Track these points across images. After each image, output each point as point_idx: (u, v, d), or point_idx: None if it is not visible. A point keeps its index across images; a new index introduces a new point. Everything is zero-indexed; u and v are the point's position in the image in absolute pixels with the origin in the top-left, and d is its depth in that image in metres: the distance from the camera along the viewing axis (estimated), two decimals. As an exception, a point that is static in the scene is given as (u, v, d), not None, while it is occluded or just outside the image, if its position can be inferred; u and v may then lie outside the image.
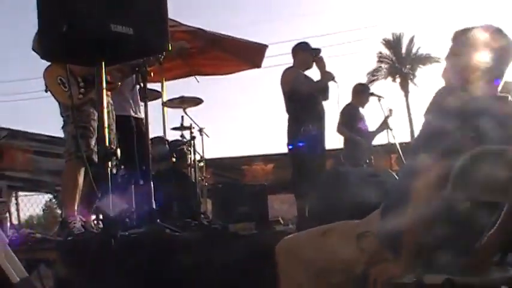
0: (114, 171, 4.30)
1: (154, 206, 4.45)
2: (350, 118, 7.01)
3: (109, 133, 4.02)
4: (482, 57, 2.34)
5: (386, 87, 38.18)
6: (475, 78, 2.34)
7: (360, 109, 7.22)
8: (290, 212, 6.16)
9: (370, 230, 2.34)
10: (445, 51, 2.52)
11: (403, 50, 38.92)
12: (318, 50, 6.09)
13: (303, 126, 5.86)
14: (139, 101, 5.34)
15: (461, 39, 2.42)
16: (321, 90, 6.07)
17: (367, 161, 6.83)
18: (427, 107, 2.44)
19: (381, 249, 2.27)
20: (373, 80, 38.27)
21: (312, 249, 2.41)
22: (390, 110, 7.20)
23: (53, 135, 8.44)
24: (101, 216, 4.49)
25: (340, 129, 6.94)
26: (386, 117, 7.17)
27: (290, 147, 5.95)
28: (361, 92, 7.22)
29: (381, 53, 39.19)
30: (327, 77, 6.01)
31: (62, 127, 4.42)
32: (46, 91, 4.35)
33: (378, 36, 43.35)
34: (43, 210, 19.79)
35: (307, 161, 5.79)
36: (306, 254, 2.41)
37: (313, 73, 6.13)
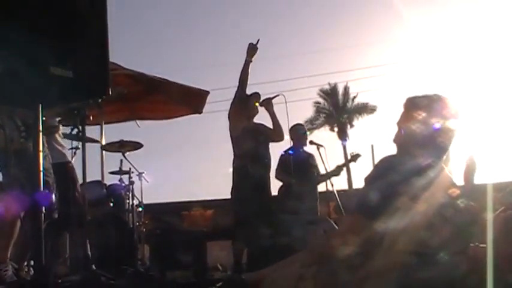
0: (56, 215, 4.19)
1: (89, 252, 4.34)
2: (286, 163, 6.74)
3: (47, 176, 3.92)
4: (432, 125, 2.47)
5: (325, 136, 38.76)
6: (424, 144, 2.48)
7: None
8: (229, 258, 6.10)
9: (307, 272, 2.40)
10: (397, 117, 2.64)
11: (340, 100, 39.77)
12: (256, 94, 6.17)
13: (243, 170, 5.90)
14: None
15: (413, 107, 2.55)
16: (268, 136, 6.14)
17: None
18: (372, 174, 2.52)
19: None
20: (312, 129, 38.75)
21: None
22: (356, 155, 7.21)
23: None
24: (32, 263, 4.32)
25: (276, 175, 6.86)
26: (348, 162, 7.24)
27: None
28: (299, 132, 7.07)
29: (318, 102, 39.98)
30: (274, 119, 6.12)
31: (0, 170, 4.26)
32: None
33: (315, 85, 44.04)
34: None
35: (246, 205, 5.80)
36: None
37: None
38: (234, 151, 6.06)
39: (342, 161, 7.80)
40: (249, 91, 6.13)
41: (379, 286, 2.18)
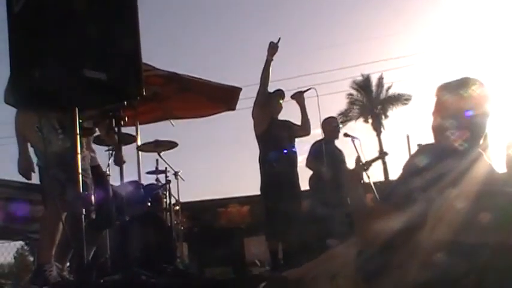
0: (94, 216, 4.25)
1: (129, 252, 4.39)
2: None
3: (85, 177, 3.98)
4: (466, 112, 2.42)
5: (359, 128, 38.38)
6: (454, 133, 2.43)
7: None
8: (267, 253, 6.11)
9: (342, 272, 2.38)
10: (431, 107, 2.60)
11: (373, 91, 39.29)
12: (279, 92, 6.22)
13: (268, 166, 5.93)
14: None
15: (445, 94, 2.50)
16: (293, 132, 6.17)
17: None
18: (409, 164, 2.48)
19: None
20: (346, 121, 38.37)
21: None
22: (384, 152, 7.25)
23: (25, 181, 8.30)
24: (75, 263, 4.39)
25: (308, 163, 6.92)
26: (379, 157, 7.22)
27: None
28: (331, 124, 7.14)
29: (351, 94, 39.56)
30: (304, 113, 6.20)
31: (40, 172, 4.33)
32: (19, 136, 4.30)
33: (348, 77, 43.55)
34: (14, 257, 19.28)
35: (275, 200, 5.81)
36: None
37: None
38: (259, 148, 6.11)
39: (376, 152, 7.81)
40: (282, 85, 6.20)
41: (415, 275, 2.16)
